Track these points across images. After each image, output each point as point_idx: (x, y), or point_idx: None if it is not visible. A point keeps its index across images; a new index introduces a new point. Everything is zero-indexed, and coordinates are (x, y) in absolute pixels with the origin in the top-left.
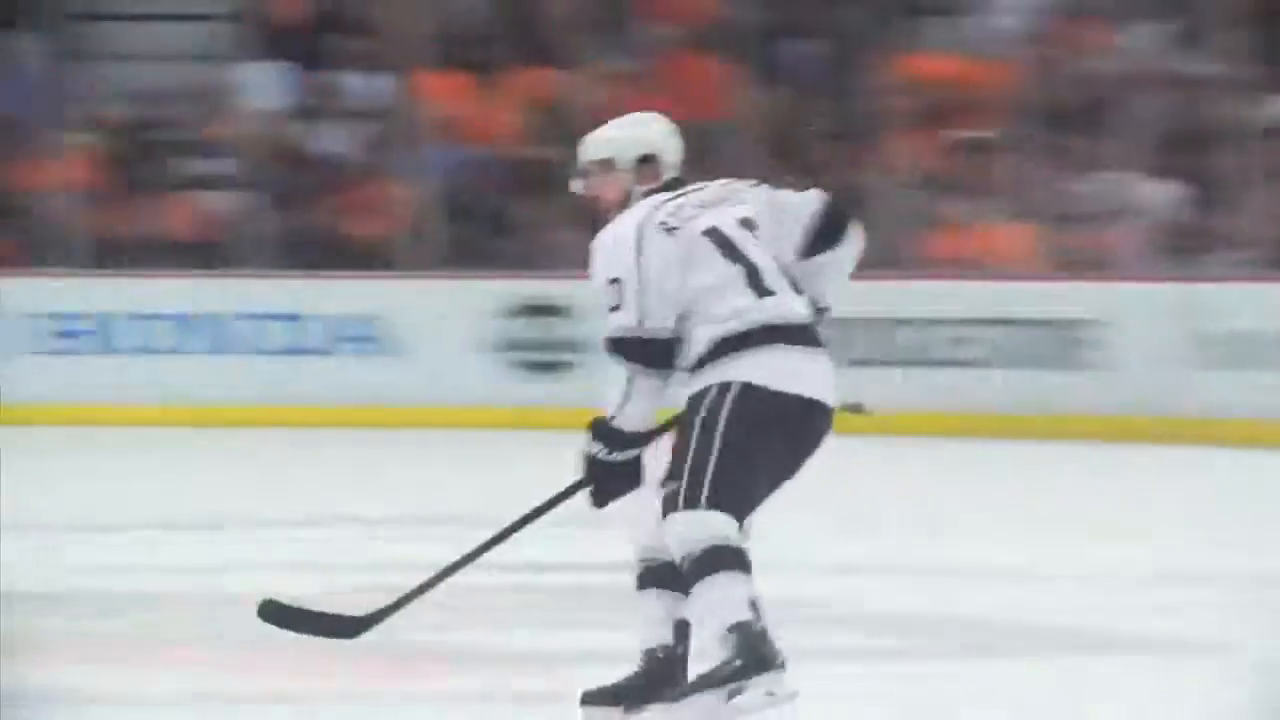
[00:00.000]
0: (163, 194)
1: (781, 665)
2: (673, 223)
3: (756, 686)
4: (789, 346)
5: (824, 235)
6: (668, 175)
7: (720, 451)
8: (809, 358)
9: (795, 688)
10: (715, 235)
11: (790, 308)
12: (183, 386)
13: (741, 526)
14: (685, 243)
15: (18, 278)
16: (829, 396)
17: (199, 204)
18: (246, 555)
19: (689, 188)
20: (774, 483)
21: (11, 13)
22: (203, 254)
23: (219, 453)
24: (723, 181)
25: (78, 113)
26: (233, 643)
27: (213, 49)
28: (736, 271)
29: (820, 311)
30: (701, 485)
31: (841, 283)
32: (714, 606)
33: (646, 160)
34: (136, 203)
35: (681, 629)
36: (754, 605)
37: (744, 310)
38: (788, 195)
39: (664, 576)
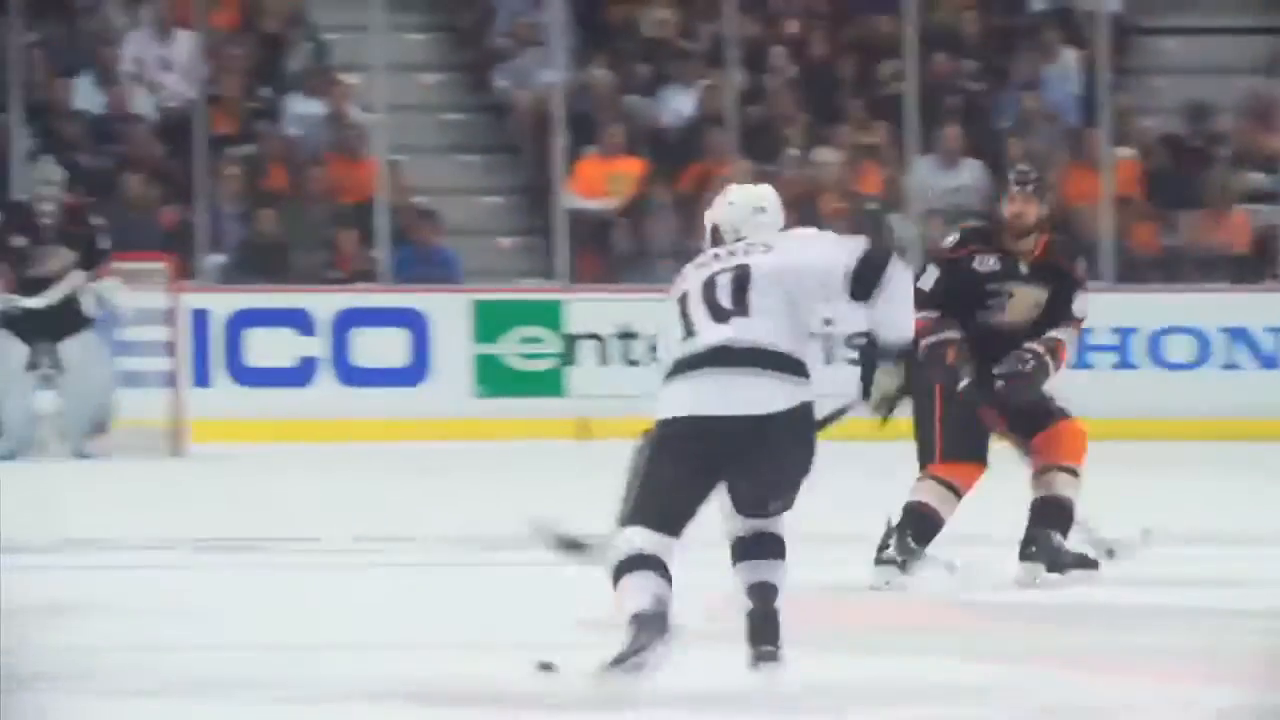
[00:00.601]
0: (1207, 208)
1: (664, 639)
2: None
3: (644, 655)
4: (698, 373)
5: (865, 280)
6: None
7: (636, 478)
8: (719, 380)
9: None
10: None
11: (716, 338)
12: (1231, 400)
13: (672, 533)
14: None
15: None
16: (741, 410)
17: (1251, 218)
18: None
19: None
20: (697, 492)
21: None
22: (1252, 267)
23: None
24: (749, 241)
25: (1120, 126)
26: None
27: (1266, 62)
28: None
29: (892, 344)
30: (627, 507)
31: (903, 313)
32: (622, 603)
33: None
34: (1175, 217)
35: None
36: (657, 596)
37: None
38: (818, 247)
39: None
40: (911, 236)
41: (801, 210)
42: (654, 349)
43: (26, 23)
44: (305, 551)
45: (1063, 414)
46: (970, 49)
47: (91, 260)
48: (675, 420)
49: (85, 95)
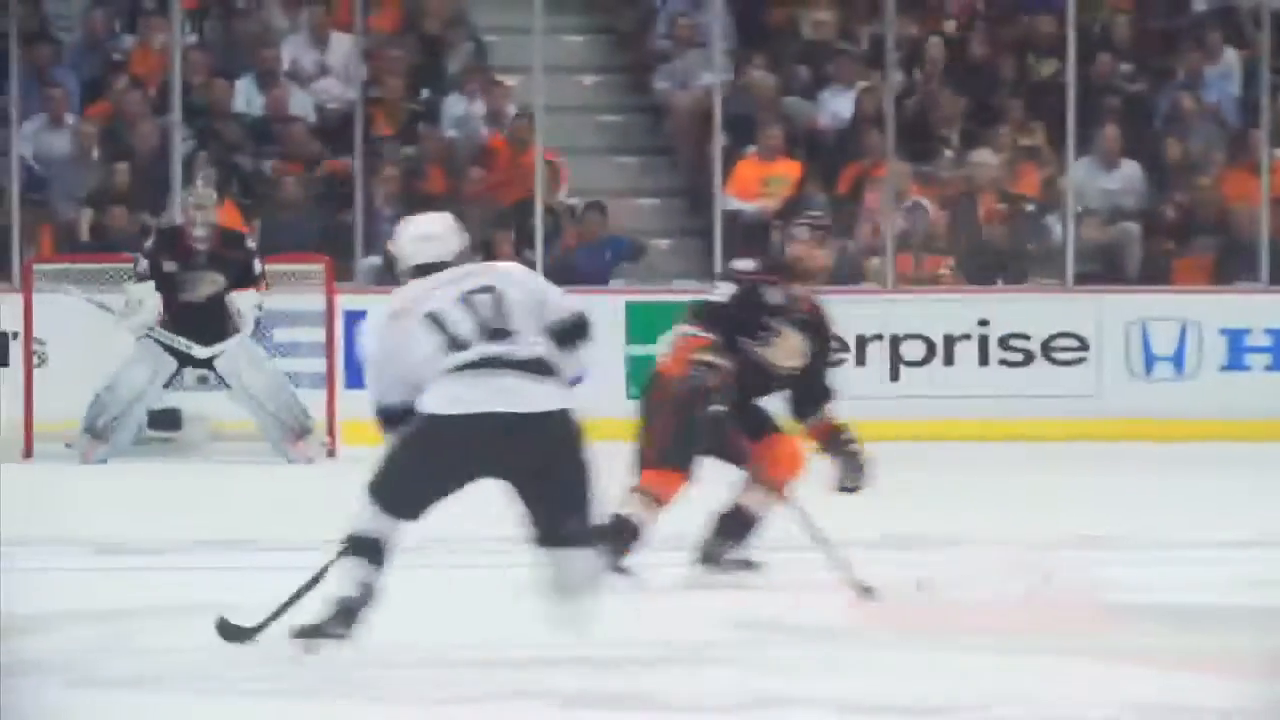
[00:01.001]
0: None
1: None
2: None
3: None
4: (460, 375)
5: (563, 339)
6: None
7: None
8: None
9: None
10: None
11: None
12: None
13: (405, 517)
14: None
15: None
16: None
17: None
18: None
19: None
20: (443, 483)
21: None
22: None
23: None
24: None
25: None
26: None
27: None
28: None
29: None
30: (373, 480)
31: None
32: (336, 578)
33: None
34: None
35: None
36: (365, 585)
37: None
38: (552, 294)
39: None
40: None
41: (958, 211)
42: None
43: (188, 25)
44: (446, 552)
45: (778, 428)
46: (1130, 49)
47: (244, 285)
48: (433, 418)
49: (244, 97)
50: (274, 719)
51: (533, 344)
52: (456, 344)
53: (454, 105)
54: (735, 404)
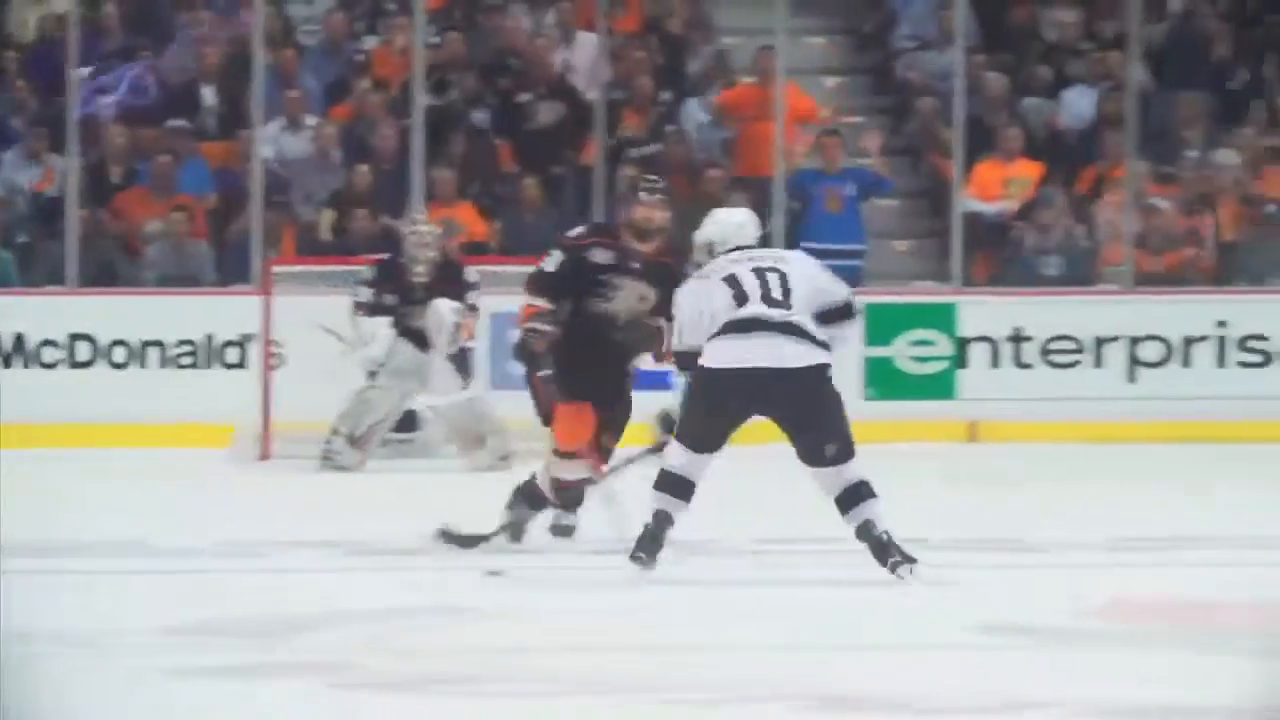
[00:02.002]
0: None
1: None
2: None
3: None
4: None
5: (828, 319)
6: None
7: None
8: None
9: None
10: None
11: (755, 312)
12: None
13: (707, 450)
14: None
15: None
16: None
17: None
18: None
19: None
20: (725, 422)
21: None
22: None
23: None
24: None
25: None
26: None
27: None
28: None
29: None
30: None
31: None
32: (651, 504)
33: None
34: None
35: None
36: (668, 515)
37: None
38: (824, 280)
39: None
40: None
41: (1199, 211)
42: (1045, 352)
43: (431, 26)
44: (699, 555)
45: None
46: None
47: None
48: (715, 370)
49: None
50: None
51: (797, 314)
52: (742, 300)
53: (694, 107)
54: (594, 363)
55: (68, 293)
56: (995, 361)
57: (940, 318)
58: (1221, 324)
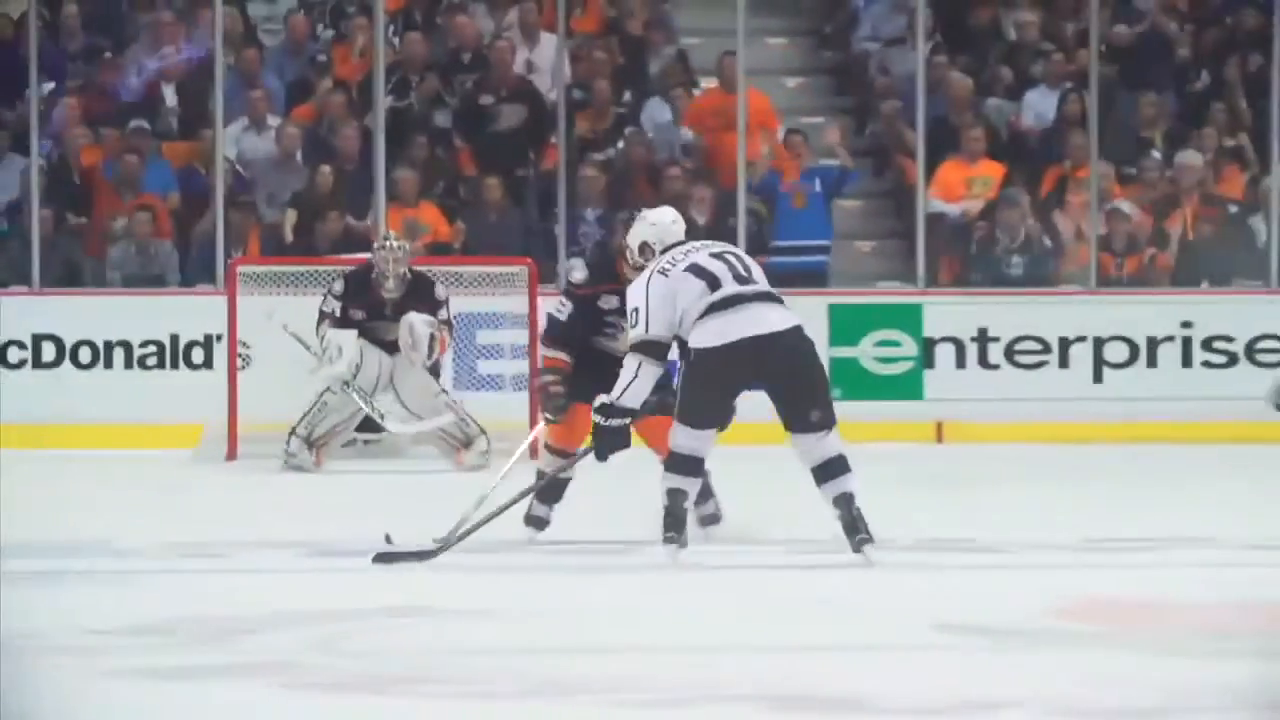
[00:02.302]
0: None
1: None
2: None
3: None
4: (723, 314)
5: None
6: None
7: (682, 393)
8: (740, 314)
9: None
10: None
11: (732, 290)
12: None
13: (714, 427)
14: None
15: None
16: (763, 329)
17: None
18: None
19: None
20: (725, 397)
21: None
22: None
23: None
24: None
25: None
26: None
27: None
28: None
29: None
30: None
31: None
32: (669, 488)
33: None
34: None
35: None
36: (683, 492)
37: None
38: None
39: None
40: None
41: (1162, 212)
42: (1010, 352)
43: (391, 27)
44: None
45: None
46: None
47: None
48: (710, 349)
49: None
50: None
51: (766, 284)
52: (715, 284)
53: (654, 108)
54: (597, 393)
55: (32, 293)
56: (961, 362)
57: (906, 318)
58: (1187, 324)
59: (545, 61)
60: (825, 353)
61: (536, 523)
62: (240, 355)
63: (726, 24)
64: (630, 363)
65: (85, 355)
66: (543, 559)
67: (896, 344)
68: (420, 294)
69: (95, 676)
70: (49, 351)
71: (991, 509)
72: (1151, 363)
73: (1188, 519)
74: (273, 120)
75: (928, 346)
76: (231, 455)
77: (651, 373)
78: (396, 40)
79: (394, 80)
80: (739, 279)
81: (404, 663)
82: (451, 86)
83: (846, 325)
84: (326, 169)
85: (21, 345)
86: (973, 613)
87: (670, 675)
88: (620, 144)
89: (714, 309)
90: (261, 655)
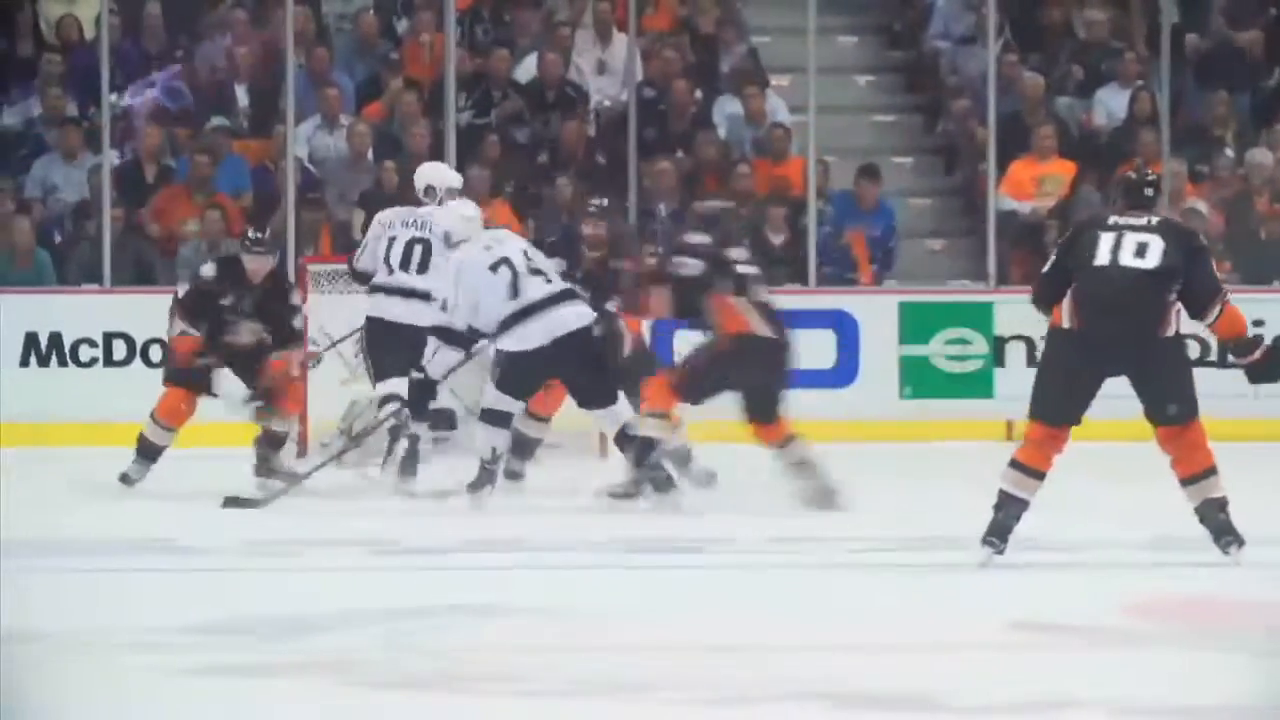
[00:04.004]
0: None
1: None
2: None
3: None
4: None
5: None
6: None
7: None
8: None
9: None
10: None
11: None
12: None
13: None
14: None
15: None
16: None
17: None
18: None
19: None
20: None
21: None
22: None
23: None
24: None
25: None
26: None
27: None
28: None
29: None
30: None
31: None
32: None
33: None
34: None
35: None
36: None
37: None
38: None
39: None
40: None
41: (1234, 210)
42: None
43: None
44: (726, 553)
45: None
46: None
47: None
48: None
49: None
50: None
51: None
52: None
53: (726, 105)
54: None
55: (103, 291)
56: (1032, 360)
57: (977, 316)
58: (1259, 323)
59: (618, 61)
60: (895, 351)
61: (515, 476)
62: (311, 353)
63: (797, 22)
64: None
65: (155, 353)
66: (607, 557)
67: (967, 342)
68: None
69: (163, 675)
70: (120, 350)
71: (1061, 508)
72: (1222, 361)
73: (1258, 518)
74: (345, 119)
75: (998, 345)
76: (302, 453)
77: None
78: (465, 33)
79: (475, 95)
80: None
81: (469, 660)
82: (530, 106)
83: (917, 324)
84: (391, 166)
85: (92, 343)
86: (1042, 612)
87: (736, 674)
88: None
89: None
90: (328, 653)
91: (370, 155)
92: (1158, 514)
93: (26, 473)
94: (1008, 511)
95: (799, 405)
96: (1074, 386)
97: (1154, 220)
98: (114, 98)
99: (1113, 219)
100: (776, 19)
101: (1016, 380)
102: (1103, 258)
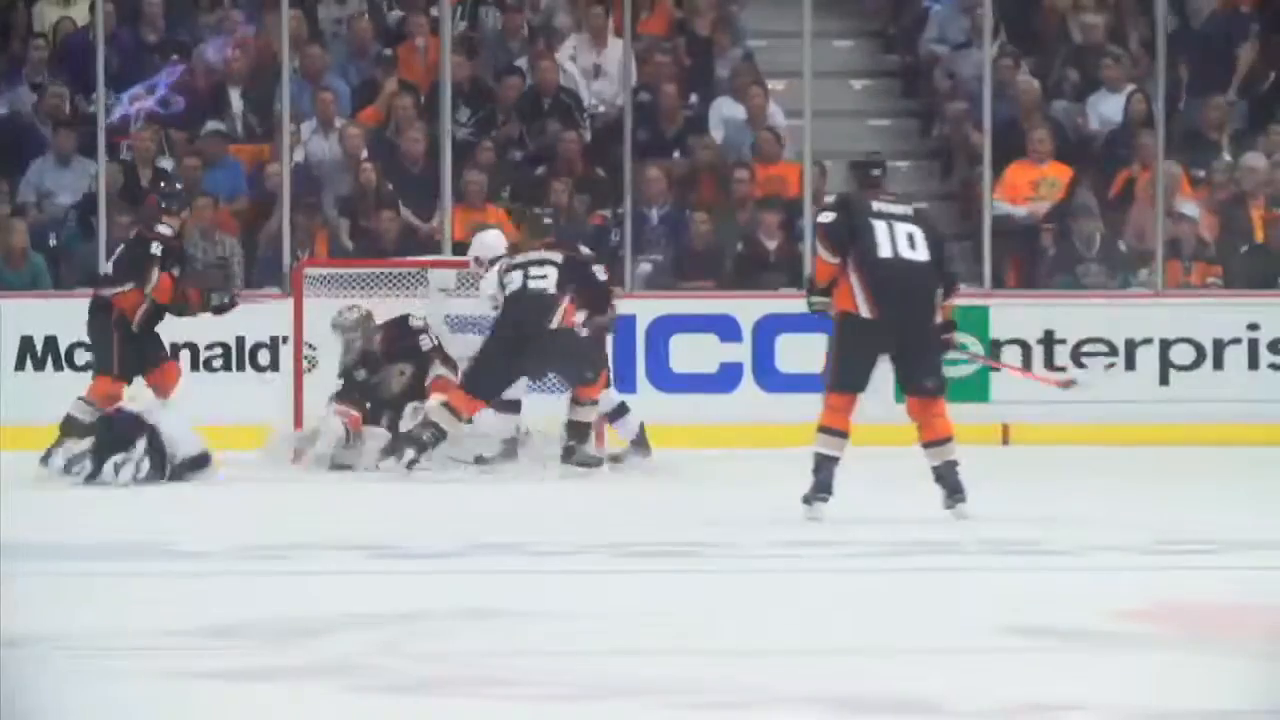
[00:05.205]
0: None
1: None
2: None
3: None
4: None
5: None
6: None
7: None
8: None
9: None
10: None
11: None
12: None
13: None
14: None
15: None
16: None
17: None
18: None
19: None
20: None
21: None
22: None
23: None
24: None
25: None
26: None
27: None
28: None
29: None
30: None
31: None
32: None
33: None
34: None
35: None
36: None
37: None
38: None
39: None
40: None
41: (1228, 215)
42: (1077, 354)
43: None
44: (725, 557)
45: None
46: None
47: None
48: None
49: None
50: None
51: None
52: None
53: (722, 108)
54: None
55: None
56: (1027, 364)
57: (972, 320)
58: (1253, 327)
59: (614, 66)
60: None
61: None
62: (306, 358)
63: (793, 26)
64: None
65: None
66: (607, 562)
67: (963, 346)
68: (403, 333)
69: (162, 679)
70: None
71: (1057, 511)
72: (1218, 365)
73: (1254, 521)
74: (340, 122)
75: (994, 348)
76: (297, 458)
77: None
78: (463, 24)
79: (479, 115)
80: None
81: (468, 665)
82: (527, 120)
83: None
84: (370, 167)
85: (89, 347)
86: (1038, 615)
87: (733, 678)
88: (686, 147)
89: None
90: (327, 657)
91: (365, 158)
92: (1154, 517)
93: (24, 476)
94: (827, 470)
95: (795, 409)
96: (868, 364)
97: (910, 210)
98: (111, 97)
99: (876, 206)
100: (772, 23)
101: (1011, 384)
102: (885, 249)
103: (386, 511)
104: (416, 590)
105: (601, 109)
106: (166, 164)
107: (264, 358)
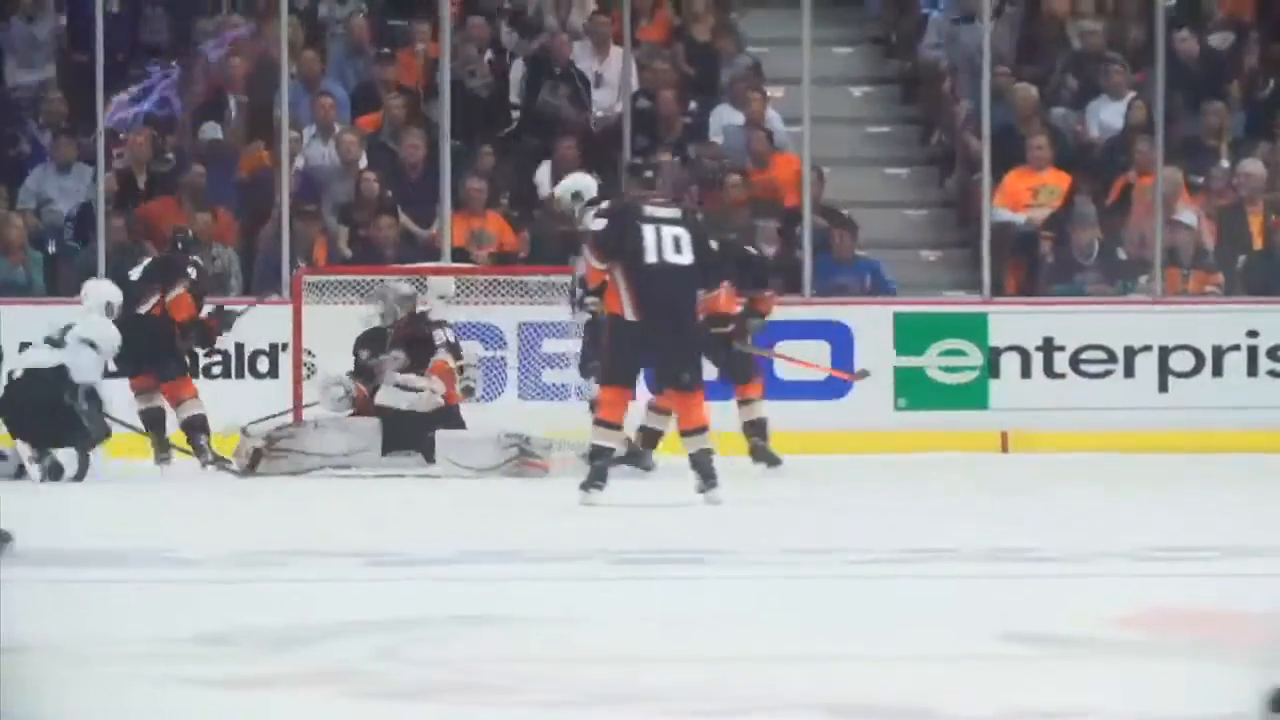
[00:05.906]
0: None
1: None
2: None
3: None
4: None
5: None
6: None
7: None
8: None
9: None
10: None
11: None
12: None
13: None
14: None
15: None
16: None
17: None
18: None
19: None
20: None
21: None
22: None
23: None
24: None
25: None
26: None
27: None
28: None
29: None
30: None
31: None
32: None
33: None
34: None
35: None
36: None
37: None
38: None
39: None
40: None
41: (1228, 221)
42: (1076, 362)
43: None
44: (726, 564)
45: None
46: None
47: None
48: None
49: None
50: None
51: None
52: None
53: (723, 115)
54: None
55: None
56: (1026, 371)
57: (971, 327)
58: (1253, 334)
59: (614, 73)
60: (891, 361)
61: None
62: (305, 365)
63: (792, 33)
64: None
65: None
66: (605, 568)
67: (962, 353)
68: (420, 325)
69: (158, 686)
70: (112, 361)
71: (1056, 518)
72: (1217, 372)
73: (1253, 528)
74: (338, 128)
75: (993, 356)
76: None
77: None
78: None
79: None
80: None
81: (465, 671)
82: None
83: (912, 334)
84: (371, 176)
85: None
86: (1037, 622)
87: (730, 685)
88: (686, 151)
89: None
90: (323, 664)
91: (364, 164)
92: (1153, 524)
93: (21, 481)
94: (605, 459)
95: (795, 416)
96: (635, 361)
97: (678, 213)
98: (110, 99)
99: (647, 210)
100: (772, 30)
101: (1011, 392)
102: (651, 255)
103: (383, 517)
104: (414, 596)
105: (600, 114)
106: (163, 169)
107: (263, 365)
